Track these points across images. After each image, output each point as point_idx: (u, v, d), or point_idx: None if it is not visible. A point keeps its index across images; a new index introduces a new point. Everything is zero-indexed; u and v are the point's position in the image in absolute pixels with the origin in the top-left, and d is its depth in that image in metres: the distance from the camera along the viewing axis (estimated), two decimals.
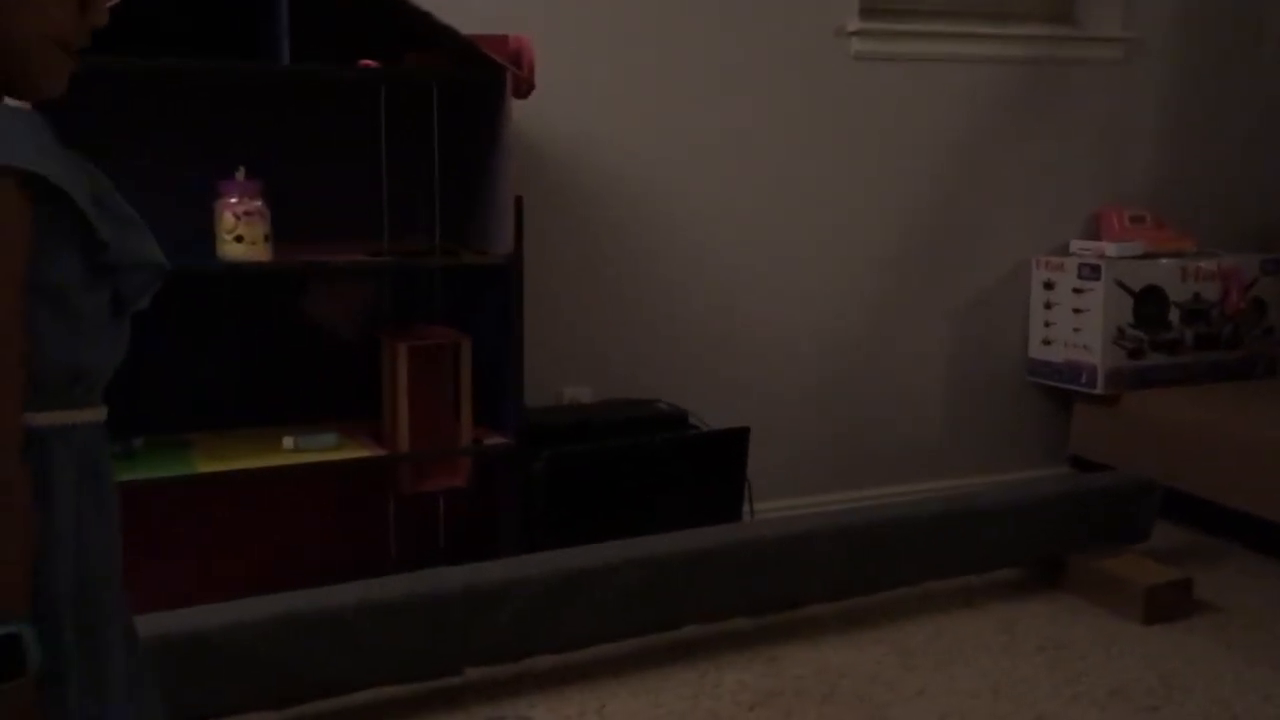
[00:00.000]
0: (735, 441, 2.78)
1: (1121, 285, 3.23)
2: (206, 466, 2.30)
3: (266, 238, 2.28)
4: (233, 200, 2.25)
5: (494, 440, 2.50)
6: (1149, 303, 3.27)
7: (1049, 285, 3.37)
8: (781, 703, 2.25)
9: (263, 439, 2.42)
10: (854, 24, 3.10)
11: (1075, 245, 3.40)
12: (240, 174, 2.27)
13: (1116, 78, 3.48)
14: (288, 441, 2.37)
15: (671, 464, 2.71)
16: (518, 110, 2.46)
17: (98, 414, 1.13)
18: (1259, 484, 2.86)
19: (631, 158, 2.93)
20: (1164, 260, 3.32)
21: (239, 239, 2.25)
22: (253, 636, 1.98)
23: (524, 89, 2.44)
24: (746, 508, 2.85)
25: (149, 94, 2.41)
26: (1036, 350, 3.43)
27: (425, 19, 2.30)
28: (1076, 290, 3.28)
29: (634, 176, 2.94)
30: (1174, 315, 3.31)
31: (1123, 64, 3.48)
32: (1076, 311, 3.29)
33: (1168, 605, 2.63)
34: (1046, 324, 3.38)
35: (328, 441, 2.39)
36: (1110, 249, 3.29)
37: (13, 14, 1.02)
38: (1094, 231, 3.47)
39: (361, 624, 2.07)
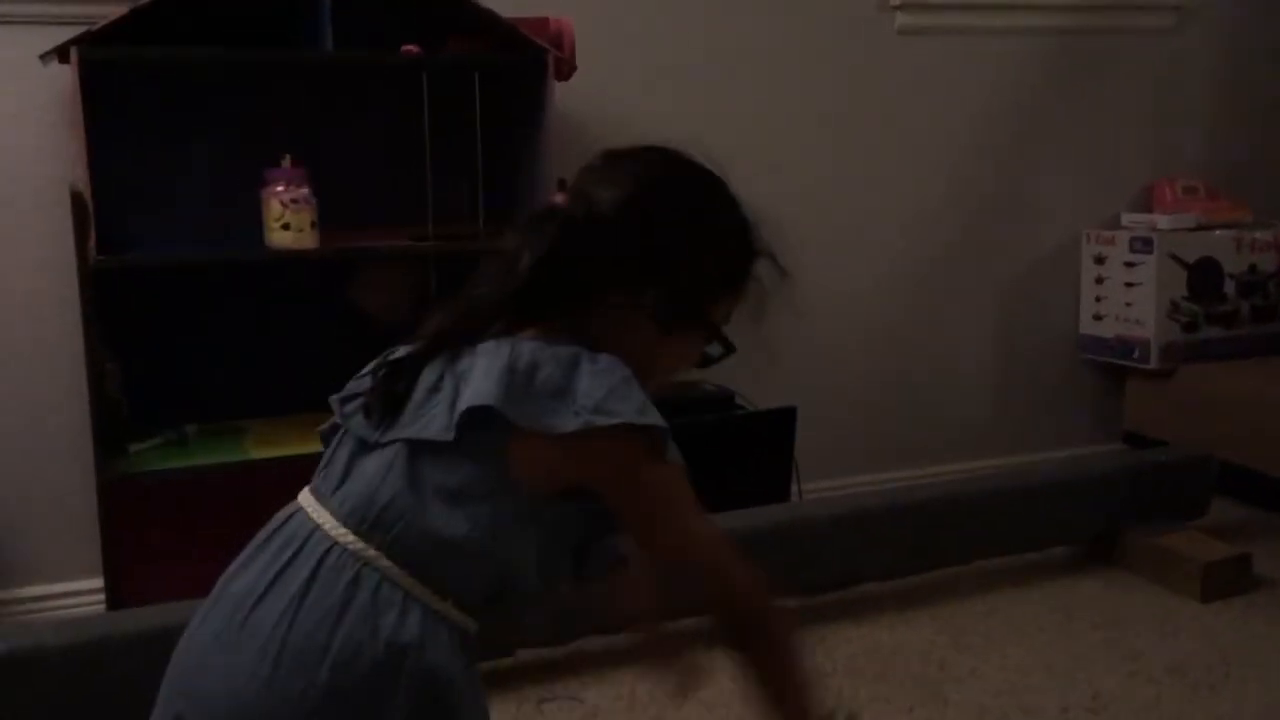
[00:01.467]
0: (782, 421, 2.77)
1: (1175, 258, 3.18)
2: (259, 453, 2.33)
3: (313, 225, 2.30)
4: (279, 188, 2.27)
5: None
6: (1203, 275, 3.21)
7: (1100, 259, 3.32)
8: (833, 682, 2.24)
9: (314, 424, 2.43)
10: None
11: (1126, 218, 3.35)
12: (286, 161, 2.29)
13: (1167, 46, 3.41)
14: None
15: (719, 444, 2.71)
16: (559, 92, 2.45)
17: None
18: None
19: (673, 136, 2.91)
20: (1218, 231, 3.26)
21: (286, 226, 2.27)
22: None
23: (565, 71, 2.44)
24: (794, 488, 2.84)
25: (194, 84, 2.44)
26: (1088, 325, 3.38)
27: (465, 3, 2.30)
28: (1128, 264, 3.23)
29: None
30: (1229, 287, 3.25)
31: (1173, 31, 3.41)
32: (1128, 285, 3.24)
33: (1226, 582, 2.59)
34: (1098, 299, 3.34)
35: None
36: (1162, 221, 3.23)
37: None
38: (1146, 204, 3.41)
39: None
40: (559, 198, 1.17)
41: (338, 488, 1.05)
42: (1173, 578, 2.63)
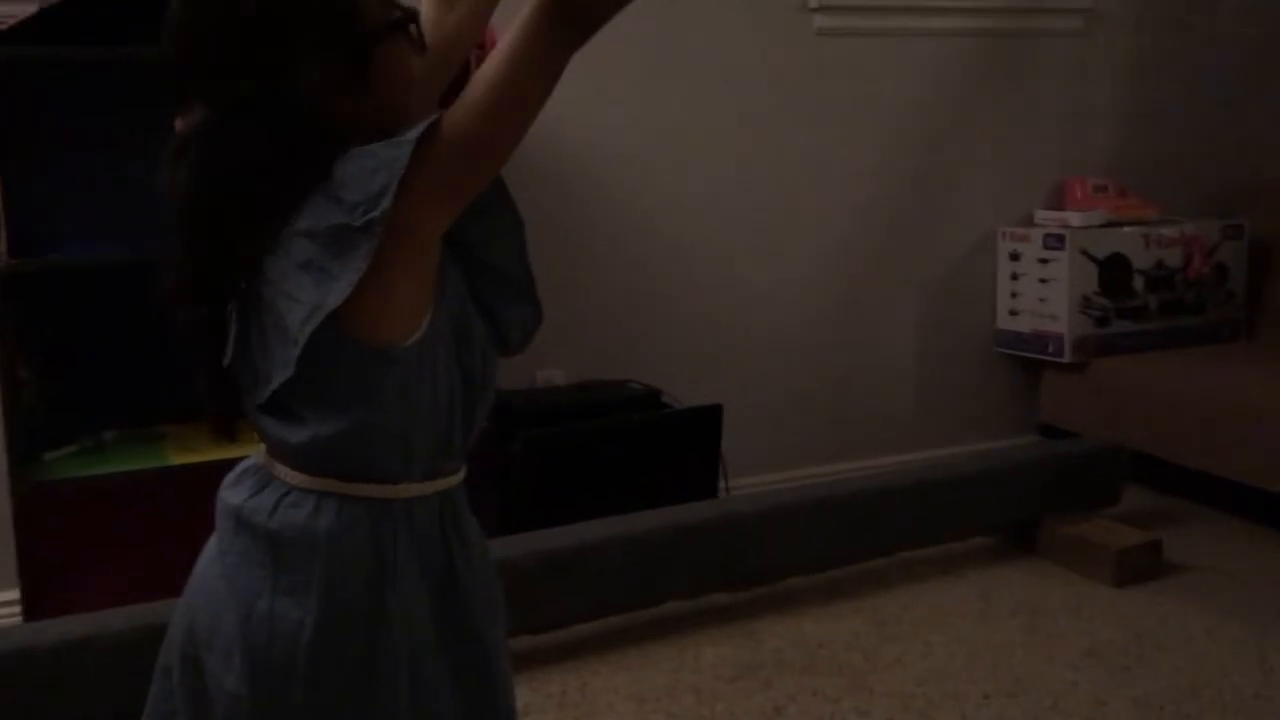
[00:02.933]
0: (708, 419, 2.80)
1: (1086, 254, 3.26)
2: (179, 458, 2.29)
3: None
4: None
5: None
6: (1113, 271, 3.30)
7: (1015, 256, 3.39)
8: (762, 675, 2.27)
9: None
10: (816, 0, 3.11)
11: (1040, 216, 3.43)
12: None
13: (1077, 48, 3.50)
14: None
15: (646, 443, 2.72)
16: None
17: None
18: (1224, 446, 2.91)
19: (596, 140, 2.93)
20: (1127, 228, 3.35)
21: None
22: None
23: None
24: (722, 484, 2.87)
25: (107, 83, 2.39)
26: (1004, 321, 3.46)
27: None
28: (1042, 260, 3.31)
29: (599, 158, 2.94)
30: (1138, 282, 3.34)
31: (1083, 34, 3.50)
32: (1042, 281, 3.32)
33: (1138, 567, 2.67)
34: (1013, 295, 3.41)
35: None
36: (1074, 218, 3.31)
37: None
38: (1058, 202, 3.50)
39: None
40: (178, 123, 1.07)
41: (270, 446, 1.10)
42: (1088, 564, 2.70)
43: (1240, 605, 2.55)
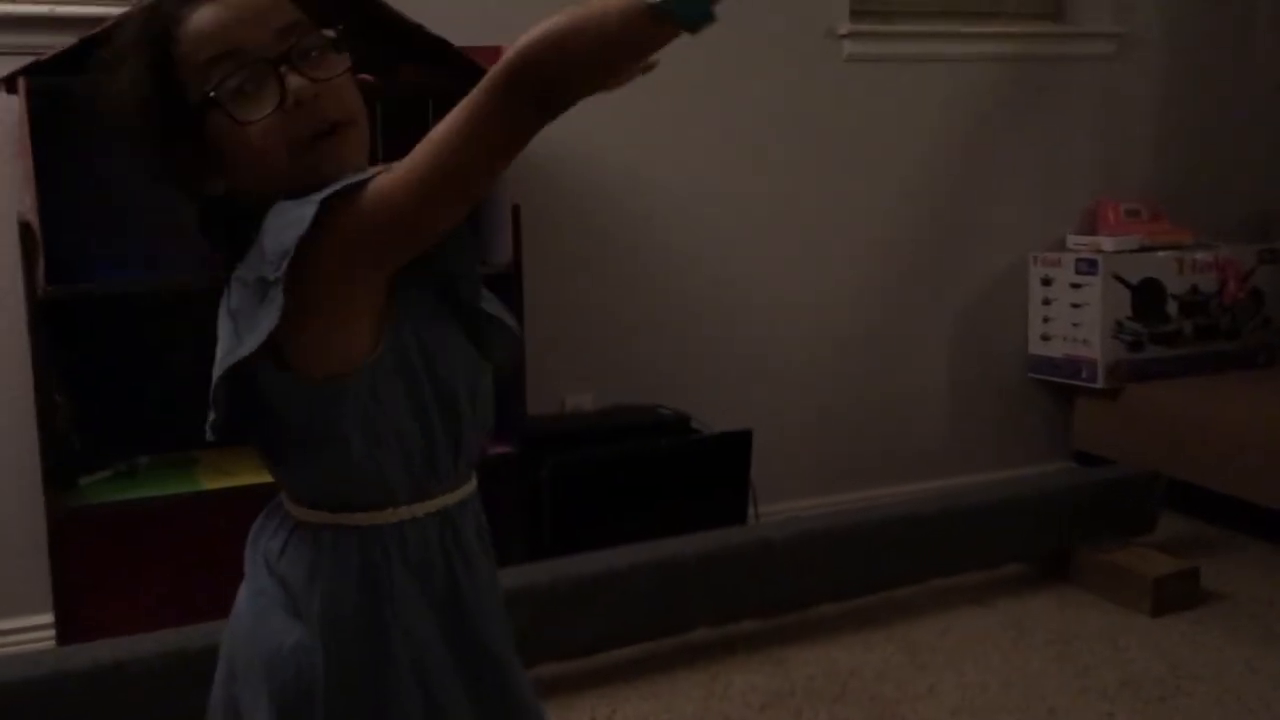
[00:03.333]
0: (738, 444, 2.79)
1: (1119, 279, 3.24)
2: (211, 483, 2.31)
3: None
4: None
5: (498, 450, 2.51)
6: (1147, 296, 3.28)
7: (1047, 281, 3.37)
8: (792, 703, 2.25)
9: None
10: (845, 26, 3.12)
11: (1072, 240, 3.41)
12: None
13: (1108, 73, 3.49)
14: None
15: (675, 468, 2.71)
16: None
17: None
18: (1261, 473, 2.87)
19: (627, 164, 2.94)
20: (1160, 253, 3.33)
21: None
22: None
23: None
24: (751, 510, 2.85)
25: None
26: (1036, 346, 3.43)
27: (418, 31, 2.31)
28: (1074, 285, 3.29)
29: (630, 182, 2.95)
30: (1172, 307, 3.32)
31: (1114, 59, 3.49)
32: (1075, 306, 3.29)
33: (1175, 596, 2.63)
34: (1045, 320, 3.39)
35: None
36: (1106, 243, 3.29)
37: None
38: (1090, 226, 3.48)
39: None
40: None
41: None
42: (1123, 593, 2.66)
43: (1279, 635, 2.51)
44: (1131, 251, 3.29)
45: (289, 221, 0.93)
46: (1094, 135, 3.50)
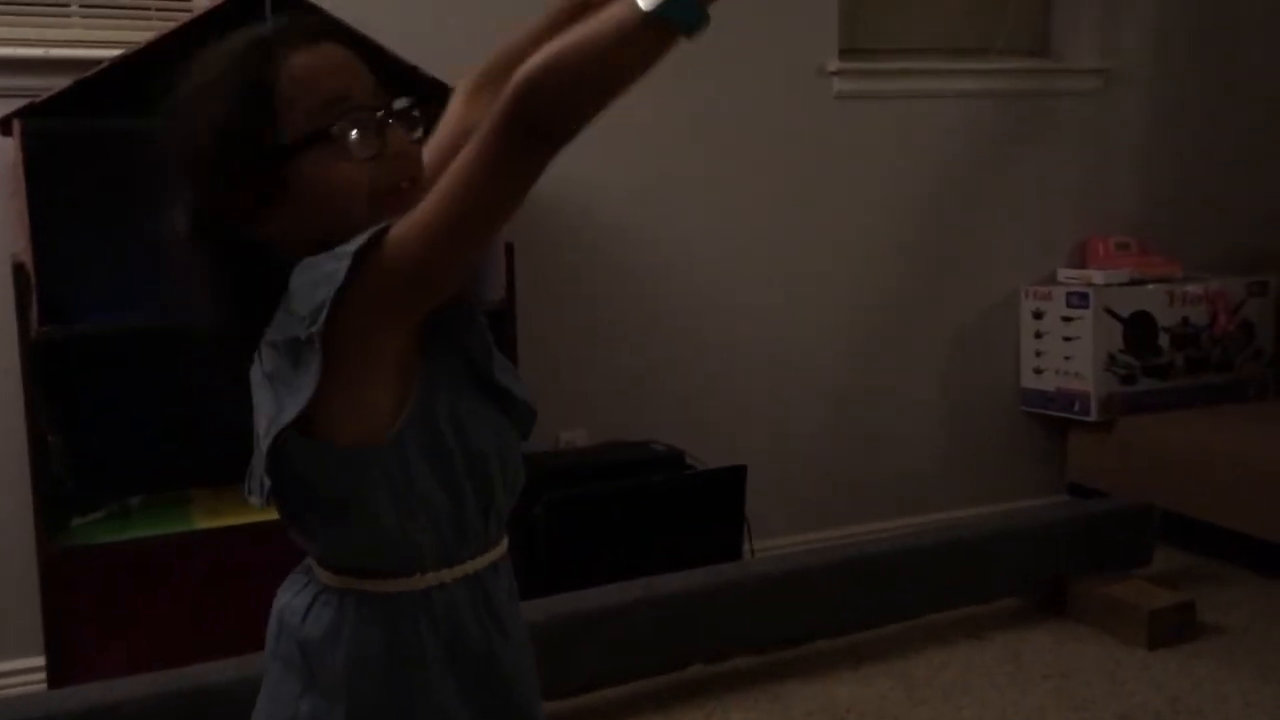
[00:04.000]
0: (732, 480, 2.79)
1: (1110, 312, 3.25)
2: (205, 523, 2.30)
3: None
4: None
5: None
6: (1138, 328, 3.29)
7: (1038, 315, 3.39)
8: None
9: None
10: (834, 64, 3.15)
11: (1063, 274, 3.43)
12: None
13: (1096, 108, 3.52)
14: None
15: (670, 504, 2.71)
16: None
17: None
18: (1256, 505, 2.87)
19: (619, 201, 2.96)
20: (1151, 285, 3.34)
21: None
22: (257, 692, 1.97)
23: None
24: (746, 546, 2.85)
25: (139, 154, 2.43)
26: (1029, 380, 3.44)
27: (412, 71, 2.33)
28: (1065, 318, 3.30)
29: (622, 219, 2.97)
30: (1163, 340, 3.33)
31: (1101, 94, 3.52)
32: (1067, 340, 3.31)
33: (1171, 629, 2.63)
34: (1037, 353, 3.40)
35: None
36: (1097, 276, 3.31)
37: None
38: (1080, 260, 3.50)
39: None
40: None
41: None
42: (1120, 626, 2.66)
43: (1277, 668, 2.50)
44: (1122, 285, 3.31)
45: (320, 277, 0.93)
46: (1082, 169, 3.53)
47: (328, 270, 0.93)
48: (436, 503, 1.02)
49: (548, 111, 0.88)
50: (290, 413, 0.96)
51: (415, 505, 1.01)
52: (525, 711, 1.11)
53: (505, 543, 1.13)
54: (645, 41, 0.86)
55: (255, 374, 1.03)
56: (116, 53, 2.17)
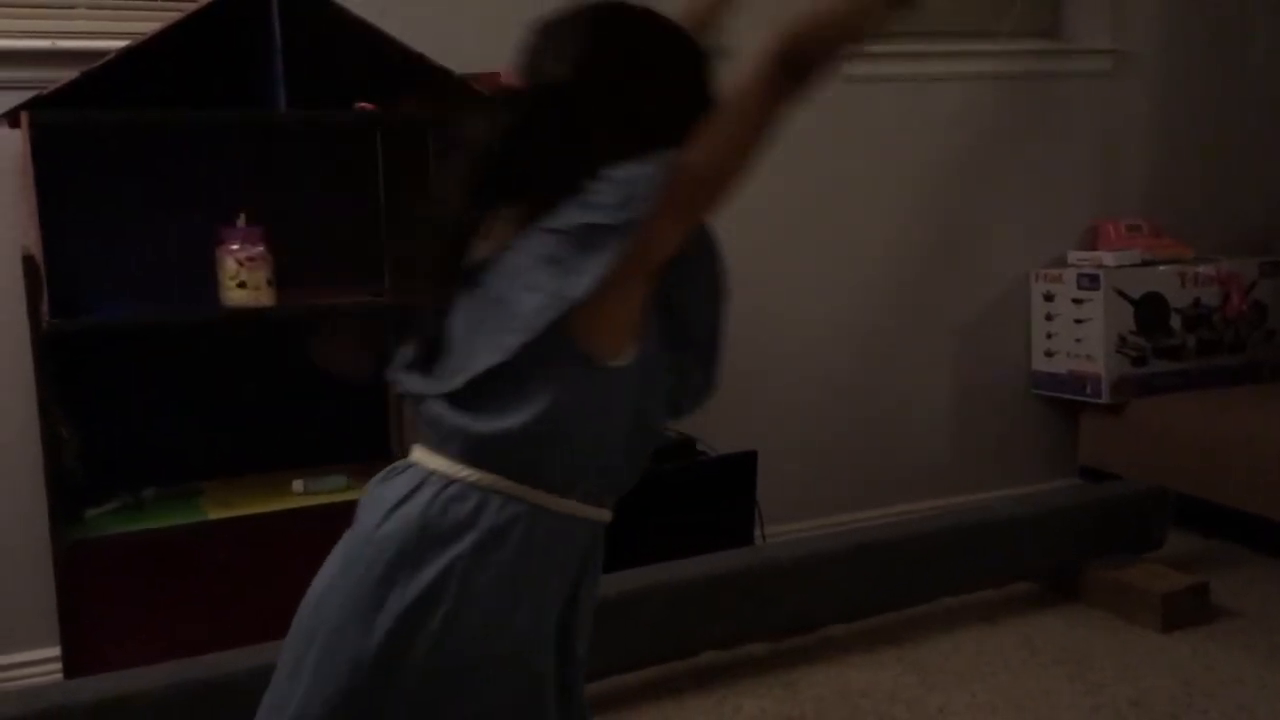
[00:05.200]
0: (744, 466, 2.78)
1: (1121, 294, 3.24)
2: (217, 513, 2.30)
3: (270, 282, 2.29)
4: (234, 246, 2.27)
5: None
6: (1150, 310, 3.28)
7: (1049, 297, 3.37)
8: None
9: (273, 484, 2.43)
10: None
11: (1073, 256, 3.42)
12: (241, 220, 2.29)
13: (1106, 89, 3.50)
14: (297, 485, 2.38)
15: (681, 491, 2.71)
16: None
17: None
18: (1270, 487, 2.86)
19: None
20: (1162, 267, 3.33)
21: (242, 285, 2.26)
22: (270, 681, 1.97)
23: None
24: (758, 532, 2.85)
25: (147, 145, 2.44)
26: (1040, 362, 3.43)
27: (419, 60, 2.33)
28: (1076, 301, 3.29)
29: None
30: (1175, 321, 3.31)
31: (1111, 75, 3.50)
32: (1078, 322, 3.29)
33: (1185, 612, 2.62)
34: (1048, 335, 3.39)
35: (337, 483, 2.40)
36: (1108, 258, 3.30)
37: None
38: (1091, 242, 3.48)
39: None
40: (507, 77, 1.20)
41: (441, 439, 1.13)
42: (1133, 610, 2.65)
43: None
44: (1133, 266, 3.29)
45: (637, 176, 1.06)
46: (1093, 151, 3.51)
47: (643, 173, 1.07)
48: (615, 443, 1.13)
49: (805, 61, 1.10)
50: (578, 291, 1.04)
51: (606, 435, 1.12)
52: (578, 654, 1.19)
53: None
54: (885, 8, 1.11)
55: (516, 260, 1.09)
56: (122, 44, 2.16)
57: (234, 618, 2.43)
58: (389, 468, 1.18)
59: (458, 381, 1.09)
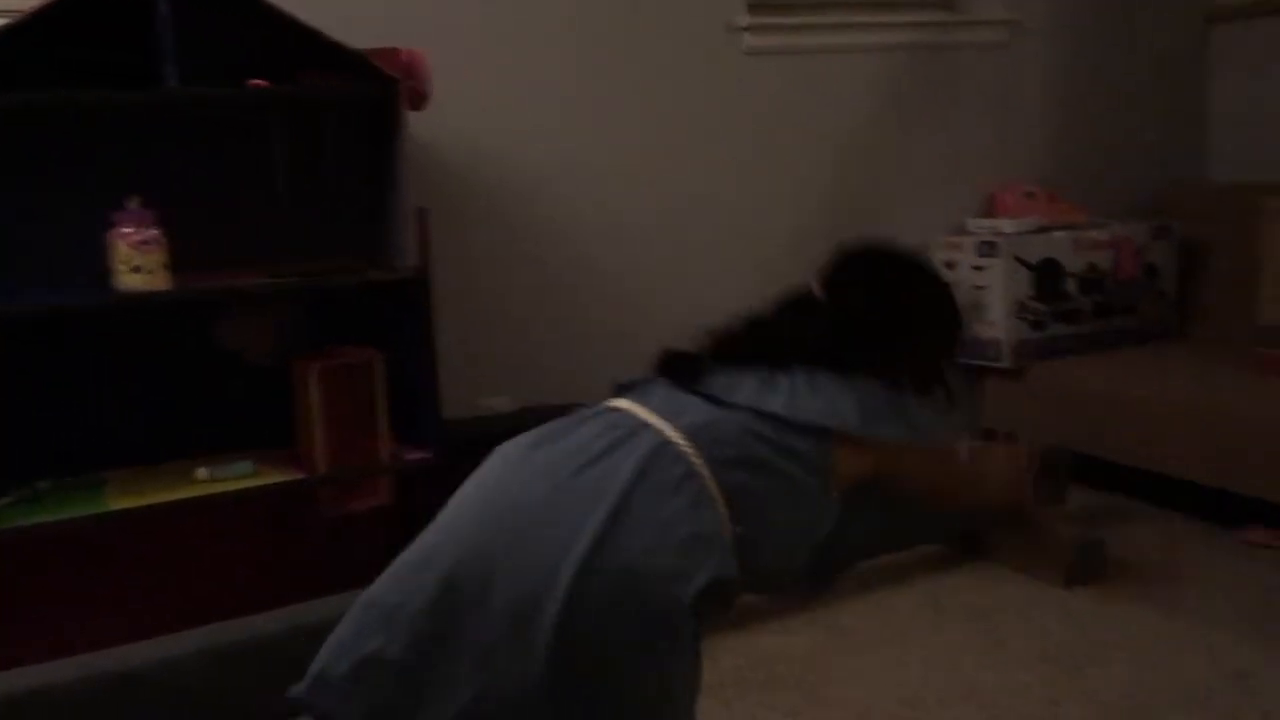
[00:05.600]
0: None
1: (1019, 260, 3.32)
2: (119, 504, 2.24)
3: (165, 266, 2.23)
4: (127, 230, 2.20)
5: (414, 456, 2.48)
6: (1047, 275, 3.36)
7: (950, 265, 3.44)
8: (722, 694, 2.27)
9: (178, 472, 2.37)
10: (744, 19, 3.14)
11: (972, 224, 3.48)
12: (134, 203, 2.22)
13: (1001, 59, 3.57)
14: (202, 472, 2.33)
15: None
16: (419, 122, 2.44)
17: None
18: (1163, 444, 2.96)
19: (534, 162, 2.93)
20: (1058, 233, 3.41)
21: (136, 269, 2.20)
22: (183, 671, 1.94)
23: (418, 101, 2.43)
24: None
25: (36, 127, 2.35)
26: None
27: (315, 36, 2.28)
28: (976, 267, 3.36)
29: (537, 181, 2.94)
30: (1071, 286, 3.40)
31: (1006, 46, 3.57)
32: (978, 288, 3.36)
33: (1086, 567, 2.71)
34: None
35: (244, 469, 2.35)
36: (1006, 225, 3.37)
37: None
38: (990, 210, 3.56)
39: (295, 650, 2.03)
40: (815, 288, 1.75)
41: (664, 408, 1.42)
42: (1037, 566, 2.73)
43: (1186, 601, 2.59)
44: (1030, 233, 3.37)
45: (933, 423, 1.53)
46: (990, 121, 3.58)
47: (936, 423, 1.55)
48: (794, 551, 1.43)
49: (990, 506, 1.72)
50: (842, 424, 1.41)
51: (783, 556, 1.41)
52: None
53: None
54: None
55: (827, 384, 1.46)
56: (1, 22, 2.08)
57: (141, 608, 2.38)
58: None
59: (751, 402, 1.47)
